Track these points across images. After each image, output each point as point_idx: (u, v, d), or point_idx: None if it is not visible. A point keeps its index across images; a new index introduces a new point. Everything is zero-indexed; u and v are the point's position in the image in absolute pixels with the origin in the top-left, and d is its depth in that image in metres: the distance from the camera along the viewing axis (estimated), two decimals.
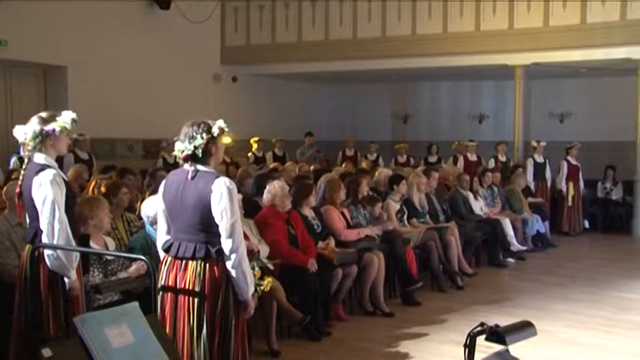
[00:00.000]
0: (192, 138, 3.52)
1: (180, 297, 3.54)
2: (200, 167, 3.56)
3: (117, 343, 2.90)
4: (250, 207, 6.31)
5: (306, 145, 13.33)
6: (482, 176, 9.97)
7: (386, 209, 7.66)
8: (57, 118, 3.90)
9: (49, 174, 3.79)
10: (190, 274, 3.52)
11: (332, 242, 6.41)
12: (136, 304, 3.15)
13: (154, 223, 4.97)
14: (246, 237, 4.33)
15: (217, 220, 3.47)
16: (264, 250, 5.58)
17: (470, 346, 2.65)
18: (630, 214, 11.62)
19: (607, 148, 13.04)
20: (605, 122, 13.38)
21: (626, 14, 10.71)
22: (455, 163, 12.24)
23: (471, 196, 9.43)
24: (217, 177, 3.52)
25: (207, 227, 3.50)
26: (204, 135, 3.52)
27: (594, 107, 13.77)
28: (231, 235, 3.47)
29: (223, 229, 3.47)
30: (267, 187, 6.06)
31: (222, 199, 3.45)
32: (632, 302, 7.11)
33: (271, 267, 5.45)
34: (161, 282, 3.63)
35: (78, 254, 3.92)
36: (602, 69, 11.89)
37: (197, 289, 3.50)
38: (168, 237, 3.67)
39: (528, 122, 13.05)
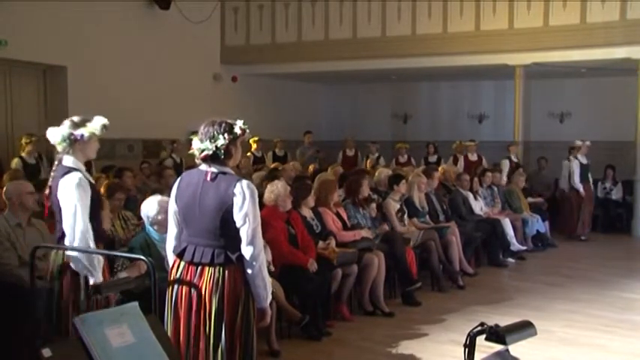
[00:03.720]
0: (214, 138, 3.37)
1: (196, 304, 3.39)
2: (220, 168, 3.42)
3: (117, 343, 2.90)
4: None
5: (306, 145, 13.33)
6: (482, 176, 9.97)
7: (386, 209, 7.66)
8: (87, 124, 3.92)
9: (74, 177, 3.81)
10: (208, 281, 3.36)
11: (332, 242, 6.41)
12: (135, 304, 3.15)
13: (154, 223, 4.98)
14: None
15: (239, 224, 3.33)
16: (266, 253, 5.57)
17: (470, 346, 2.65)
18: (630, 214, 11.61)
19: (607, 148, 13.02)
20: (605, 122, 13.37)
21: (626, 14, 10.71)
22: (455, 163, 12.22)
23: (470, 196, 9.43)
24: (239, 180, 3.38)
25: (227, 232, 3.35)
26: (226, 135, 3.38)
27: (594, 107, 13.76)
28: (252, 241, 3.33)
29: (245, 234, 3.33)
30: (269, 187, 6.05)
31: (245, 203, 3.32)
32: (633, 302, 7.11)
33: (272, 268, 5.45)
34: (174, 289, 3.46)
35: (101, 256, 3.91)
36: (602, 69, 11.88)
37: (215, 296, 3.35)
38: (178, 241, 3.54)
39: (528, 122, 13.05)
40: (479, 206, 9.49)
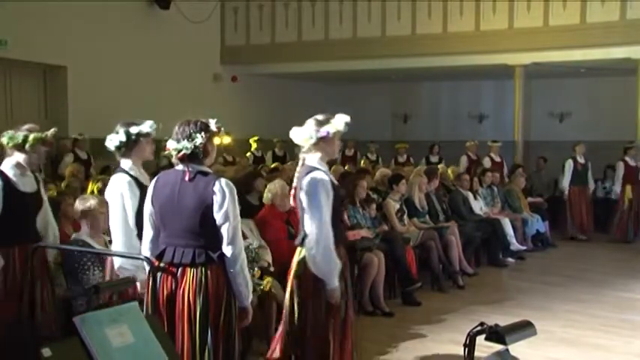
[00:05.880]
0: (191, 137, 3.36)
1: (179, 306, 3.35)
2: (198, 168, 3.41)
3: (117, 343, 2.90)
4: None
5: None
6: (482, 176, 9.97)
7: (386, 209, 7.66)
8: (331, 121, 3.93)
9: (318, 176, 3.74)
10: (190, 282, 3.33)
11: None
12: (135, 304, 3.15)
13: None
14: (244, 237, 4.30)
15: (219, 222, 3.32)
16: (266, 254, 5.56)
17: (470, 346, 2.64)
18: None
19: (607, 148, 12.99)
20: (605, 122, 13.37)
21: (626, 14, 10.71)
22: (470, 163, 11.91)
23: (470, 195, 9.43)
24: (218, 178, 3.38)
25: (207, 231, 3.33)
26: (203, 134, 3.37)
27: (594, 107, 13.76)
28: (233, 239, 3.33)
29: (225, 232, 3.32)
30: (268, 186, 6.06)
31: (226, 201, 3.31)
32: (633, 302, 7.11)
33: (271, 269, 5.44)
34: (153, 291, 3.41)
35: (339, 261, 3.76)
36: (602, 69, 11.88)
37: (199, 297, 3.32)
38: (154, 244, 3.49)
39: (528, 122, 13.05)
40: (479, 206, 9.49)
